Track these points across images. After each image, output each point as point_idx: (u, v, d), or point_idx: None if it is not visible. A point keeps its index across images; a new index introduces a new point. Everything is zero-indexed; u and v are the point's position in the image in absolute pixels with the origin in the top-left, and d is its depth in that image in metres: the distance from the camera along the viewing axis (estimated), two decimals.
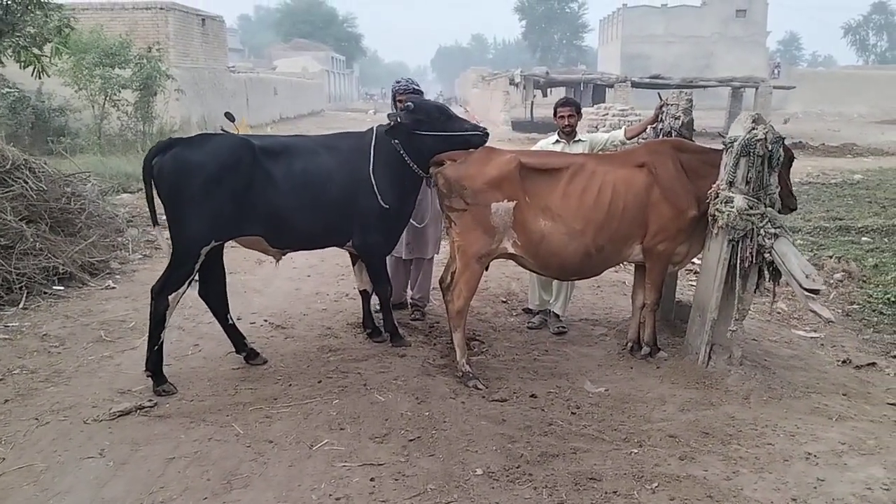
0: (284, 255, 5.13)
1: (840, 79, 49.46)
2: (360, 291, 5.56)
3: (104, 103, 15.32)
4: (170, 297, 4.45)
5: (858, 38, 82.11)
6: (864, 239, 9.21)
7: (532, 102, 32.12)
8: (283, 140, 5.11)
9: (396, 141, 4.96)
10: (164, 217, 4.54)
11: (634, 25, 53.92)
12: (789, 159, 5.01)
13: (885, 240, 9.15)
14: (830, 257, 8.06)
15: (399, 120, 4.95)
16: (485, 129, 5.17)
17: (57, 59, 8.88)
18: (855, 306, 6.66)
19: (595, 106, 18.34)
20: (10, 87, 15.40)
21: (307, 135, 5.62)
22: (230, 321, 5.00)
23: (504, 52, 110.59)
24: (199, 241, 4.46)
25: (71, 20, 9.24)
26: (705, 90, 36.26)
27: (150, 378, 4.50)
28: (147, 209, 4.90)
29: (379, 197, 4.87)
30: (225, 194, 4.42)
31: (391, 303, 6.18)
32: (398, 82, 5.94)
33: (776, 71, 47.88)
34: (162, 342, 4.51)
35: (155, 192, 4.49)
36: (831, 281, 7.35)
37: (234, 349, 5.11)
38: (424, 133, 4.95)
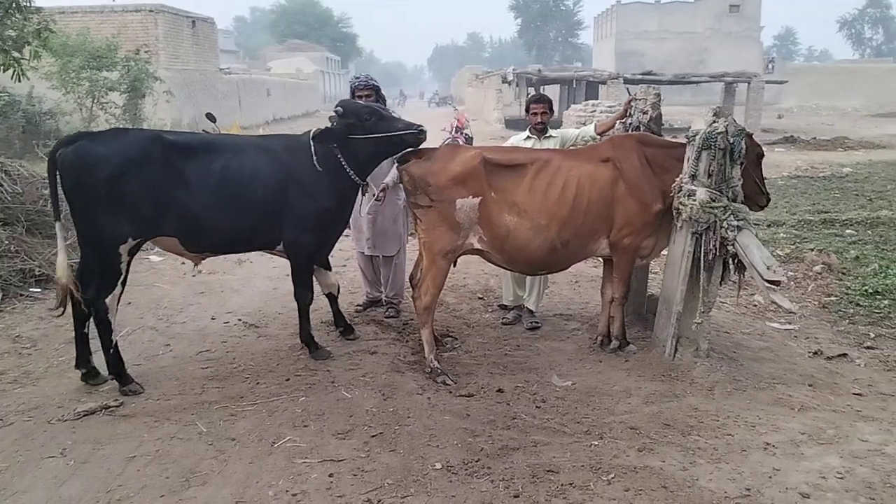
0: (204, 258, 4.93)
1: (835, 73, 49.49)
2: (325, 296, 5.41)
3: (92, 106, 15.33)
4: (107, 301, 4.36)
5: (854, 32, 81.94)
6: (848, 231, 9.21)
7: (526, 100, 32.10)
8: (203, 137, 4.94)
9: (335, 146, 4.79)
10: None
11: (628, 22, 53.87)
12: (758, 155, 5.01)
13: (869, 232, 9.15)
14: (812, 250, 8.07)
15: (331, 125, 4.79)
16: (420, 126, 4.91)
17: (36, 61, 8.85)
18: (832, 298, 6.67)
19: (583, 102, 18.39)
20: (1, 92, 15.40)
21: (240, 134, 5.48)
22: (86, 329, 4.60)
23: (500, 50, 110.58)
24: (114, 240, 4.28)
25: (50, 23, 9.23)
26: (699, 86, 36.30)
27: (115, 380, 4.50)
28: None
29: (315, 198, 4.76)
30: (132, 190, 4.22)
31: (366, 301, 6.25)
32: (357, 78, 5.92)
33: (770, 66, 47.83)
34: (116, 344, 4.46)
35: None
36: (810, 273, 7.36)
37: (205, 350, 5.13)
38: (357, 137, 4.77)
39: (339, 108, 4.85)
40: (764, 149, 5.21)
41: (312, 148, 4.76)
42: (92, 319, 4.45)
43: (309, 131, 4.93)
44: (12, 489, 3.44)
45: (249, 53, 72.21)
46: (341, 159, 4.81)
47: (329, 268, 5.35)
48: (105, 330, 4.40)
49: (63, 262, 4.31)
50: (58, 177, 4.26)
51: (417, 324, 5.09)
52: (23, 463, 3.66)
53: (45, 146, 14.31)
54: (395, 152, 5.02)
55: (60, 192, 4.30)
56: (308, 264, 5.06)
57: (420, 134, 4.86)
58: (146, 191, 4.28)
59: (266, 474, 3.58)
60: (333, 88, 56.98)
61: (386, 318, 6.01)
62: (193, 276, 5.12)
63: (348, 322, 5.54)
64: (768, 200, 5.17)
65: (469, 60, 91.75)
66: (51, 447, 3.82)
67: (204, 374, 4.82)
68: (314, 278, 5.22)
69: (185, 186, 4.41)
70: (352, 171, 4.84)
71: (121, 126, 15.51)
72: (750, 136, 4.88)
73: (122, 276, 4.42)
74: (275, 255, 5.12)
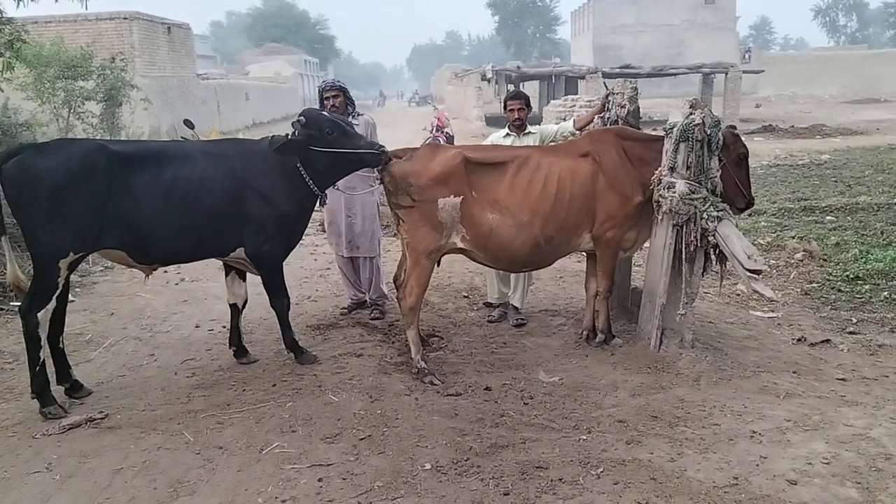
0: (154, 269, 4.80)
1: (810, 61, 49.91)
2: (230, 305, 5.17)
3: (68, 116, 15.16)
4: (39, 315, 4.19)
5: (829, 20, 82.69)
6: (828, 218, 9.29)
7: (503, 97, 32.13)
8: (150, 146, 4.82)
9: (297, 157, 4.70)
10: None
11: (605, 16, 53.99)
12: (740, 155, 4.91)
13: (849, 218, 9.23)
14: (793, 237, 8.14)
15: (293, 135, 4.70)
16: (382, 147, 4.83)
17: (10, 73, 8.73)
18: (814, 285, 6.73)
19: (563, 98, 18.43)
20: None
21: (190, 141, 5.35)
22: (60, 345, 4.57)
23: (479, 48, 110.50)
24: (55, 254, 4.16)
25: (23, 34, 9.11)
26: (677, 78, 36.44)
27: (35, 400, 4.30)
28: None
29: (274, 205, 4.67)
30: (75, 204, 4.11)
31: (351, 304, 6.23)
32: (324, 81, 5.96)
33: (747, 56, 48.14)
34: (43, 361, 4.27)
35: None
36: (792, 261, 7.43)
37: (190, 358, 5.10)
38: (317, 149, 4.67)
39: (301, 118, 4.72)
40: (743, 138, 5.10)
41: (268, 154, 4.66)
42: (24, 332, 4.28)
43: (267, 137, 4.88)
44: None
45: (227, 58, 71.75)
46: (301, 168, 4.70)
47: (244, 278, 5.15)
48: (35, 346, 4.23)
49: (14, 271, 4.30)
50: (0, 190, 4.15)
51: (403, 324, 5.09)
52: (8, 479, 3.62)
53: None
54: (354, 170, 5.02)
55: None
56: (276, 272, 4.93)
57: (381, 155, 4.74)
58: (89, 204, 4.15)
59: (255, 481, 3.56)
60: (313, 91, 56.71)
61: (371, 319, 6.00)
62: (144, 282, 4.99)
63: (243, 343, 5.23)
64: (749, 204, 5.03)
65: (448, 59, 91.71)
66: (36, 462, 3.78)
67: (190, 383, 4.79)
68: (226, 283, 5.15)
69: (132, 198, 4.28)
70: (311, 182, 4.74)
71: (97, 136, 15.41)
72: (735, 135, 4.87)
73: (58, 291, 4.28)
74: (228, 262, 4.97)
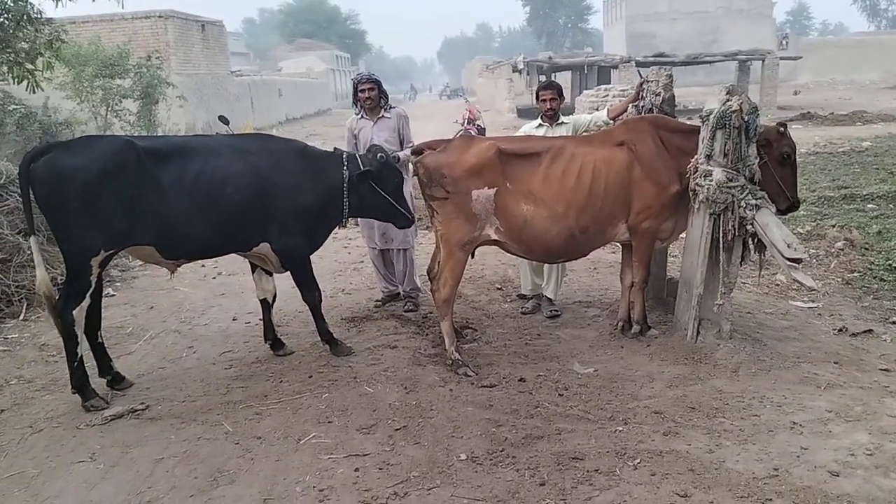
0: (180, 265, 4.82)
1: (850, 46, 48.77)
2: (259, 301, 5.23)
3: (106, 114, 15.45)
4: (74, 312, 4.24)
5: (869, 4, 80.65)
6: (869, 206, 9.08)
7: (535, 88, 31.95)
8: (178, 141, 4.86)
9: (346, 171, 4.95)
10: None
11: (638, 4, 53.38)
12: (783, 154, 4.70)
13: (891, 206, 9.00)
14: (833, 226, 7.98)
15: (368, 166, 4.99)
16: (414, 218, 5.40)
17: (50, 72, 8.93)
18: (855, 274, 6.60)
19: (596, 88, 18.26)
20: (17, 104, 15.55)
21: (219, 135, 5.39)
22: (99, 339, 4.66)
23: (510, 39, 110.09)
24: (87, 253, 4.19)
25: (62, 34, 9.30)
26: (713, 66, 35.87)
27: (76, 395, 4.38)
28: None
29: (299, 200, 4.75)
30: (106, 201, 4.13)
31: (384, 296, 6.26)
32: (360, 73, 6.00)
33: (784, 42, 47.21)
34: (81, 357, 4.34)
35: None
36: (832, 250, 7.28)
37: (228, 350, 5.18)
38: (374, 187, 5.00)
39: (382, 155, 5.08)
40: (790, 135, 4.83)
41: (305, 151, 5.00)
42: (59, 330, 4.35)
43: (337, 150, 5.19)
44: (44, 494, 3.50)
45: (260, 55, 72.54)
46: (345, 189, 4.94)
47: (271, 273, 5.17)
48: (71, 342, 4.29)
49: (42, 276, 4.29)
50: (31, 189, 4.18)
51: (437, 316, 5.09)
52: (54, 468, 3.72)
53: None
54: (382, 219, 5.48)
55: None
56: (304, 266, 5.00)
57: (409, 224, 5.35)
58: (119, 201, 4.17)
59: (293, 471, 3.61)
60: (344, 86, 57.03)
61: (405, 311, 6.02)
62: (169, 279, 5.10)
63: (277, 336, 5.30)
64: (791, 206, 4.86)
65: (479, 51, 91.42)
66: (80, 452, 3.87)
67: (228, 375, 4.86)
68: (253, 279, 5.22)
69: (161, 193, 4.30)
70: (346, 204, 4.98)
71: (134, 134, 15.67)
72: (781, 132, 4.70)
73: (92, 289, 4.33)
74: (248, 257, 5.02)
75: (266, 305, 5.20)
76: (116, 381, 4.68)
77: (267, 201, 4.65)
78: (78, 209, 4.10)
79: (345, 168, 4.95)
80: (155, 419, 4.23)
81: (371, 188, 4.99)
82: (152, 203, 4.28)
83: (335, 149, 5.25)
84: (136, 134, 16.33)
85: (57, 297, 4.30)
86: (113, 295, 6.81)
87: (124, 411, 4.27)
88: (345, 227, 5.31)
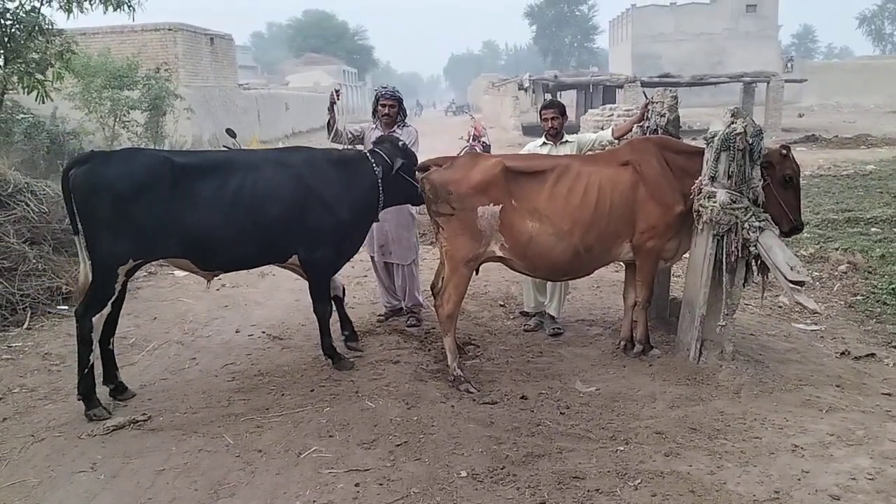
0: (216, 276, 4.99)
1: (855, 70, 48.92)
2: (331, 298, 5.32)
3: (114, 125, 15.55)
4: (93, 319, 4.31)
5: (874, 28, 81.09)
6: (873, 230, 9.08)
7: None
8: (214, 157, 4.99)
9: (379, 168, 5.09)
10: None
11: (644, 25, 53.74)
12: (785, 176, 4.69)
13: (895, 230, 9.01)
14: (836, 249, 7.98)
15: (401, 157, 5.19)
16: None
17: (59, 83, 9.02)
18: (859, 298, 6.59)
19: (601, 107, 18.35)
20: (25, 114, 15.66)
21: (257, 149, 5.54)
22: (111, 346, 4.70)
23: (516, 57, 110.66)
24: (116, 260, 4.32)
25: (72, 45, 9.40)
26: (718, 87, 36.05)
27: (80, 402, 4.40)
28: None
29: (333, 213, 4.85)
30: (137, 213, 4.27)
31: (387, 311, 6.28)
32: (384, 87, 6.09)
33: (789, 64, 47.43)
34: (92, 365, 4.38)
35: None
36: (836, 273, 7.29)
37: (230, 363, 5.20)
38: (402, 175, 5.14)
39: (402, 143, 5.40)
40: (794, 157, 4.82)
41: (338, 162, 5.06)
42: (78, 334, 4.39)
43: (359, 150, 5.33)
44: None
45: (267, 68, 72.88)
46: (380, 185, 5.08)
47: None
48: (85, 348, 4.33)
49: (85, 272, 4.40)
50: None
51: (440, 332, 5.11)
52: (55, 478, 3.72)
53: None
54: (406, 202, 5.55)
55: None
56: (324, 279, 5.10)
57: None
58: (151, 213, 4.30)
59: (293, 485, 3.60)
60: (351, 100, 57.35)
61: (408, 326, 6.03)
62: (205, 290, 5.12)
63: (354, 329, 5.57)
64: (795, 229, 4.84)
65: (485, 68, 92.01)
66: (81, 462, 3.87)
67: (230, 387, 4.86)
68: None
69: (195, 209, 4.42)
70: (382, 197, 5.13)
71: (141, 145, 15.77)
72: (784, 154, 4.70)
73: (114, 296, 4.42)
74: (286, 268, 5.13)
75: (338, 301, 5.40)
76: (119, 391, 4.70)
77: (308, 214, 4.77)
78: (110, 218, 4.24)
79: (376, 167, 5.11)
80: (156, 430, 4.23)
81: (398, 177, 5.14)
82: (185, 217, 4.40)
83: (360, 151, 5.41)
84: (142, 145, 16.46)
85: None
86: None
87: (126, 422, 4.28)
88: (376, 220, 5.37)
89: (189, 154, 5.12)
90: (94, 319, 4.32)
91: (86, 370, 4.36)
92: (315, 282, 5.07)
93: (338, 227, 4.89)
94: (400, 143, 5.39)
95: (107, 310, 4.39)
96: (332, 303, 5.29)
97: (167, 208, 4.34)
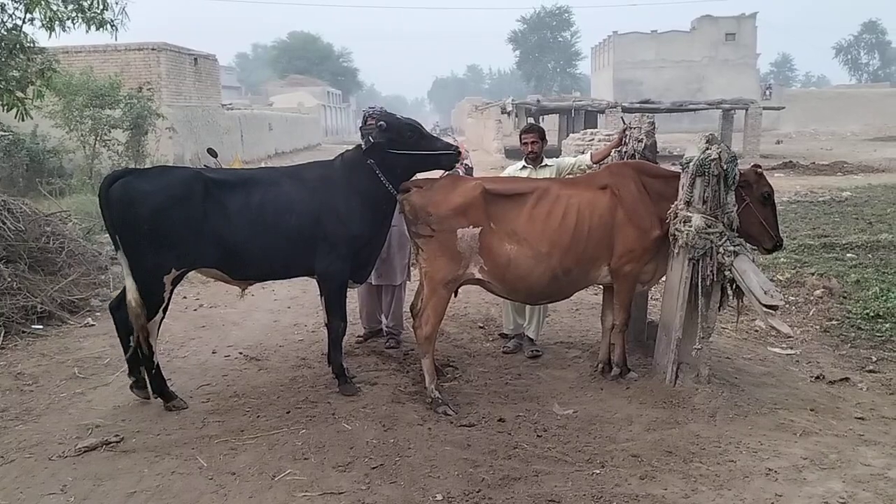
0: (250, 285, 5.18)
1: (832, 98, 49.84)
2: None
3: (95, 143, 15.48)
4: (148, 326, 4.57)
5: (850, 58, 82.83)
6: (848, 255, 9.20)
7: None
8: (241, 173, 5.18)
9: (372, 161, 4.88)
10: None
11: (626, 52, 54.50)
12: (763, 195, 4.84)
13: (870, 256, 9.12)
14: (812, 274, 8.07)
15: (373, 139, 4.84)
16: (456, 147, 5.12)
17: (40, 101, 8.98)
18: (834, 322, 6.66)
19: (582, 131, 18.55)
20: (5, 131, 15.56)
21: (273, 166, 5.64)
22: (131, 342, 4.76)
23: (499, 81, 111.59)
24: (159, 271, 4.55)
25: (54, 63, 9.38)
26: (698, 113, 36.54)
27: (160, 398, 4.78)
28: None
29: (347, 223, 4.85)
30: (174, 225, 4.48)
31: (366, 332, 6.25)
32: (371, 107, 6.00)
33: (768, 92, 48.23)
34: (158, 364, 4.75)
35: None
36: (811, 298, 7.36)
37: (206, 384, 5.17)
38: (398, 152, 4.88)
39: (382, 123, 4.87)
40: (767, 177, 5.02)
41: (341, 173, 4.98)
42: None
43: (341, 155, 5.18)
44: None
45: (252, 89, 73.03)
46: (380, 174, 4.89)
47: None
48: (147, 352, 4.63)
49: (132, 287, 4.50)
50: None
51: (418, 354, 5.09)
52: (24, 500, 3.65)
53: (48, 184, 14.49)
54: (429, 170, 5.17)
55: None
56: (341, 293, 5.11)
57: (456, 155, 5.05)
58: (186, 225, 4.51)
59: None
60: (335, 122, 57.51)
61: (386, 348, 6.01)
62: (240, 297, 5.47)
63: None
64: (776, 245, 4.96)
65: (469, 92, 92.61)
66: (51, 484, 3.81)
67: (205, 408, 4.81)
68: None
69: (226, 221, 4.63)
70: (390, 185, 4.90)
71: (122, 164, 15.72)
72: (759, 174, 4.85)
73: (165, 304, 4.70)
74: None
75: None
76: (138, 386, 4.86)
77: (320, 225, 4.84)
78: (148, 230, 4.45)
79: (368, 161, 4.94)
80: (128, 452, 4.18)
81: (395, 155, 4.91)
82: (216, 230, 4.61)
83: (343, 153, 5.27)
84: (122, 165, 16.38)
85: (140, 310, 4.51)
86: (93, 325, 6.75)
87: (97, 443, 4.22)
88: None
89: (219, 171, 5.31)
90: (148, 326, 4.57)
91: (153, 371, 4.72)
92: (330, 296, 5.07)
93: (348, 240, 4.90)
94: (383, 123, 4.88)
95: (159, 316, 4.69)
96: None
97: (201, 220, 4.56)
